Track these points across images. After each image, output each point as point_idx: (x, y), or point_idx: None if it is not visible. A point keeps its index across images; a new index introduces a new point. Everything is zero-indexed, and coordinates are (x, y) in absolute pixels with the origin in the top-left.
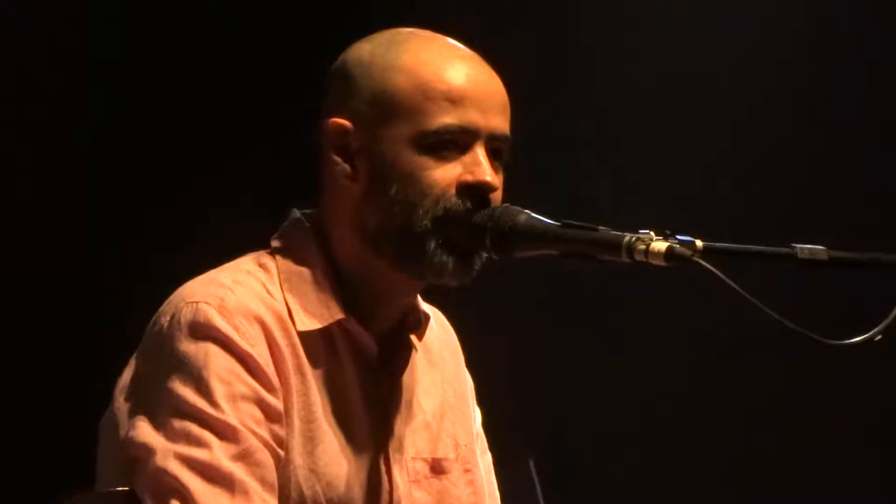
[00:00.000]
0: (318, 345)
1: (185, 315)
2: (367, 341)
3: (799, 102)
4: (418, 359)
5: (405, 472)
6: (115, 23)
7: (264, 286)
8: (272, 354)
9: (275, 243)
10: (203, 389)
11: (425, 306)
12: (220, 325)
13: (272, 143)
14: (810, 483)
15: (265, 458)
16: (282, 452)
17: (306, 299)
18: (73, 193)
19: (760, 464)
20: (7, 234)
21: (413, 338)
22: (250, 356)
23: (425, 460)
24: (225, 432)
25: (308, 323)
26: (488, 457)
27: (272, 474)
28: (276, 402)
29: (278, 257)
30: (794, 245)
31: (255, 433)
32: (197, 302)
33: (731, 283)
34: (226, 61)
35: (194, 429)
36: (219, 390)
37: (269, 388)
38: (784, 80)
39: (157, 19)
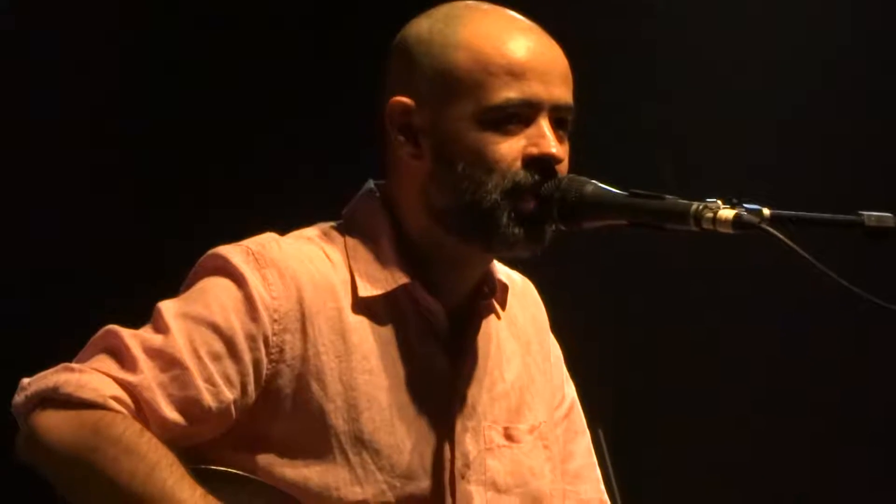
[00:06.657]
0: (379, 311)
1: (220, 248)
2: (435, 307)
3: (866, 72)
4: (500, 328)
5: (481, 440)
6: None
7: (324, 252)
8: (301, 313)
9: (345, 214)
10: (184, 295)
11: (514, 274)
12: (244, 270)
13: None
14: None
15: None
16: (227, 394)
17: (371, 267)
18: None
19: (817, 436)
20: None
21: (496, 305)
22: (262, 299)
23: (501, 428)
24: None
25: (370, 289)
26: (586, 438)
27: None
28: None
29: (346, 226)
30: (861, 213)
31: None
32: (239, 244)
33: (799, 249)
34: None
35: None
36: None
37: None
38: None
39: None
